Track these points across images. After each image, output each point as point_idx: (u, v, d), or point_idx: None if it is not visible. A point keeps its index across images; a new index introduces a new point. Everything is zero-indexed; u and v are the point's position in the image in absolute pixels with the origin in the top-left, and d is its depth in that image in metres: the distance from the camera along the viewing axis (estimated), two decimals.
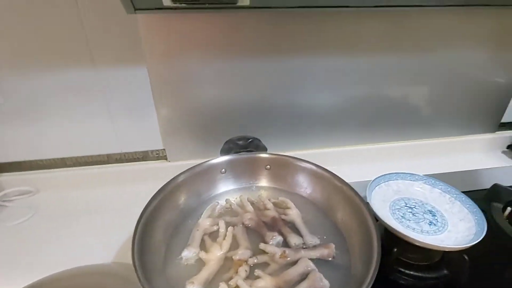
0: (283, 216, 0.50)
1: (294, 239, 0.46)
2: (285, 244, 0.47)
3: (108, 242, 0.53)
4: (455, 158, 0.77)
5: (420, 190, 0.57)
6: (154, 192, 0.47)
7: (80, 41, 0.53)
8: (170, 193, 0.48)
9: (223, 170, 0.55)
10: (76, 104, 0.60)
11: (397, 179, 0.59)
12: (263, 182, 0.56)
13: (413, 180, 0.58)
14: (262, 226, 0.48)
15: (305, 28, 0.58)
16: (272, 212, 0.50)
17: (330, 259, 0.44)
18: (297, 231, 0.48)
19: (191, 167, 0.51)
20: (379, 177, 0.58)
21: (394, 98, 0.71)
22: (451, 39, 0.65)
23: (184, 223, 0.49)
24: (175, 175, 0.51)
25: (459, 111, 0.75)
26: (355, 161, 0.73)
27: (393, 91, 0.70)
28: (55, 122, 0.61)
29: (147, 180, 0.67)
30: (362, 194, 0.48)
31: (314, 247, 0.46)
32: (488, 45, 0.67)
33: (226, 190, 0.55)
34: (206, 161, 0.53)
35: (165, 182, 0.49)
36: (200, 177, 0.52)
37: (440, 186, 0.57)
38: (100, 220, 0.59)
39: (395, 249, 0.48)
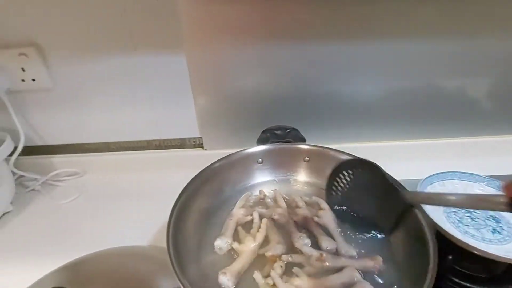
0: (315, 218, 0.46)
1: (326, 243, 0.42)
2: (315, 247, 0.42)
3: (146, 226, 0.54)
4: None
5: (481, 192, 0.50)
6: (190, 179, 0.47)
7: (123, 27, 0.54)
8: (205, 180, 0.47)
9: (260, 160, 0.53)
10: (119, 90, 0.61)
11: (453, 179, 0.52)
12: (301, 174, 0.53)
13: (473, 181, 0.52)
14: (292, 224, 0.45)
15: (350, 11, 0.54)
16: (303, 211, 0.47)
17: (374, 273, 0.39)
18: (330, 235, 0.44)
19: (227, 155, 0.50)
20: (432, 175, 0.52)
21: (450, 90, 0.63)
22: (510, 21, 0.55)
23: (218, 212, 0.48)
24: (210, 162, 0.50)
25: None
26: (403, 158, 0.67)
27: (448, 82, 0.62)
28: (100, 108, 0.64)
29: (184, 168, 0.66)
30: None
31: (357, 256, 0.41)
32: None
33: (262, 181, 0.53)
34: (243, 149, 0.51)
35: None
36: (236, 165, 0.51)
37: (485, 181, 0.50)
38: (139, 203, 0.61)
39: (450, 257, 0.43)
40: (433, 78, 0.61)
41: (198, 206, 0.46)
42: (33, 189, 0.65)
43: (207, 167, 0.48)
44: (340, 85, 0.61)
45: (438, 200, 0.39)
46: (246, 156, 0.51)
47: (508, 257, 0.38)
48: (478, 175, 0.52)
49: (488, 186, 0.51)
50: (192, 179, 0.46)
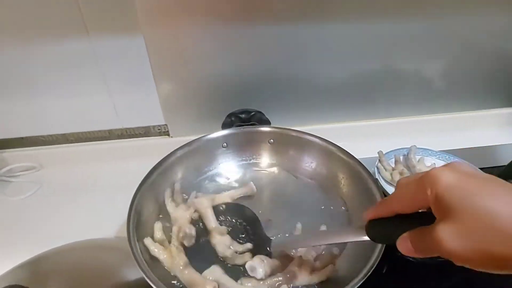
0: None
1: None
2: None
3: (111, 217, 0.53)
4: (470, 134, 0.72)
5: (433, 165, 0.54)
6: None
7: (73, 9, 0.51)
8: (168, 169, 0.47)
9: (225, 144, 0.53)
10: (73, 78, 0.58)
11: (406, 155, 0.56)
12: (266, 157, 0.54)
13: (426, 156, 0.55)
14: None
15: None
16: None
17: None
18: None
19: (190, 142, 0.50)
20: (388, 152, 0.55)
21: (405, 70, 0.66)
22: (466, 2, 0.59)
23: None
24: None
25: (475, 83, 0.70)
26: (363, 137, 0.70)
27: (404, 63, 0.64)
28: (54, 97, 0.59)
29: (150, 156, 0.64)
30: (370, 170, 0.45)
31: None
32: (508, 9, 0.60)
33: (227, 166, 0.53)
34: (205, 135, 0.51)
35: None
36: (200, 151, 0.50)
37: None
38: (103, 195, 0.59)
39: None
40: (389, 60, 0.64)
41: (160, 195, 0.45)
42: None
43: (169, 154, 0.47)
44: (302, 68, 0.62)
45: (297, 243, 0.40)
46: (210, 141, 0.51)
47: None
48: (430, 150, 0.56)
49: (439, 159, 0.55)
50: (153, 168, 0.45)
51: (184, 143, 0.50)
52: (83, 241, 0.48)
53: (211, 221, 0.42)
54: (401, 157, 0.55)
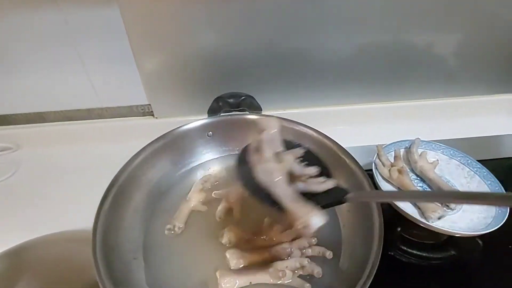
0: None
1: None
2: None
3: (91, 203, 0.50)
4: (479, 120, 0.67)
5: (436, 161, 0.50)
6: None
7: None
8: (145, 161, 0.43)
9: (210, 133, 0.48)
10: (47, 53, 0.52)
11: (408, 147, 0.51)
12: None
13: (429, 149, 0.51)
14: None
15: None
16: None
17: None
18: None
19: (170, 131, 0.45)
20: (389, 144, 0.50)
21: (416, 47, 0.59)
22: None
23: (166, 193, 0.45)
24: (162, 132, 0.45)
25: (492, 64, 0.63)
26: (363, 122, 0.65)
27: (412, 39, 0.57)
28: (27, 74, 0.54)
29: (133, 138, 0.60)
30: (368, 160, 0.41)
31: None
32: None
33: (211, 158, 0.49)
34: (186, 124, 0.46)
35: (145, 145, 0.44)
36: (181, 141, 0.46)
37: (458, 158, 0.49)
38: (83, 179, 0.55)
39: (399, 228, 0.43)
40: (395, 35, 0.56)
41: (137, 194, 0.42)
42: None
43: (146, 146, 0.43)
44: (301, 42, 0.55)
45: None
46: (193, 130, 0.46)
47: (452, 230, 0.39)
48: (434, 143, 0.51)
49: (443, 154, 0.51)
50: (129, 160, 0.41)
51: (169, 124, 0.45)
52: (59, 234, 0.45)
53: None
54: (402, 151, 0.50)
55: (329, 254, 0.38)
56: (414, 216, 0.40)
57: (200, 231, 0.41)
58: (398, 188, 0.45)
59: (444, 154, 0.50)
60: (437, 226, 0.38)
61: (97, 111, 0.61)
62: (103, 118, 0.62)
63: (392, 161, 0.48)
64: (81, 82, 0.56)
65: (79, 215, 0.48)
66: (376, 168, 0.47)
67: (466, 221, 0.41)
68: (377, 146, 0.48)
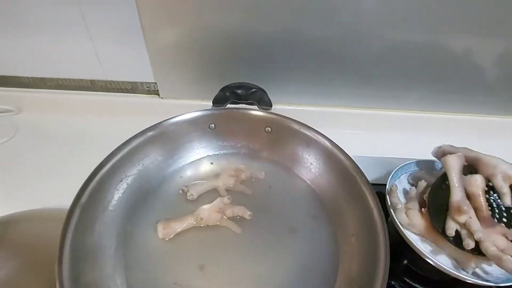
0: None
1: None
2: None
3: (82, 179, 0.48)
4: None
5: None
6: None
7: None
8: (135, 151, 0.39)
9: (212, 125, 0.44)
10: (52, 19, 0.49)
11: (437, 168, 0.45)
12: (260, 147, 0.45)
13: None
14: None
15: None
16: None
17: None
18: None
19: (168, 119, 0.41)
20: (408, 163, 0.44)
21: (452, 54, 0.50)
22: None
23: (160, 186, 0.42)
24: (166, 113, 0.42)
25: None
26: (383, 129, 0.59)
27: (451, 42, 0.49)
28: (33, 38, 0.52)
29: (136, 115, 0.57)
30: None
31: None
32: None
33: (213, 153, 0.45)
34: (186, 113, 0.42)
35: (147, 127, 0.41)
36: (181, 132, 0.42)
37: None
38: (82, 150, 0.53)
39: (405, 261, 0.38)
40: (435, 35, 0.48)
41: (130, 185, 0.39)
42: None
43: (137, 134, 0.40)
44: (328, 33, 0.48)
45: None
46: (194, 120, 0.42)
47: (467, 278, 0.34)
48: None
49: None
50: (115, 149, 0.38)
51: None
52: (44, 209, 0.44)
53: None
54: (421, 172, 0.44)
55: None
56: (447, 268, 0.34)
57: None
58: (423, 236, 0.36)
59: None
60: (451, 270, 0.33)
61: (101, 83, 0.58)
62: (106, 91, 0.58)
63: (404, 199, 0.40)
64: (85, 51, 0.52)
65: (67, 192, 0.46)
66: (393, 213, 0.37)
67: (498, 274, 0.35)
68: (391, 187, 0.39)
